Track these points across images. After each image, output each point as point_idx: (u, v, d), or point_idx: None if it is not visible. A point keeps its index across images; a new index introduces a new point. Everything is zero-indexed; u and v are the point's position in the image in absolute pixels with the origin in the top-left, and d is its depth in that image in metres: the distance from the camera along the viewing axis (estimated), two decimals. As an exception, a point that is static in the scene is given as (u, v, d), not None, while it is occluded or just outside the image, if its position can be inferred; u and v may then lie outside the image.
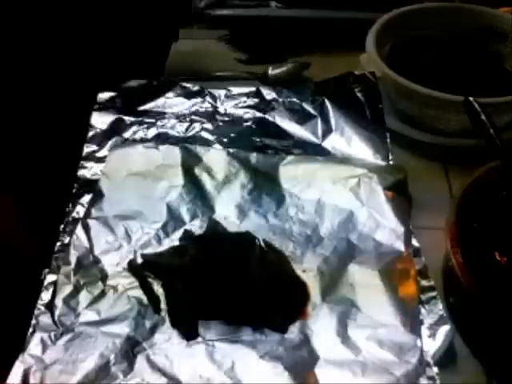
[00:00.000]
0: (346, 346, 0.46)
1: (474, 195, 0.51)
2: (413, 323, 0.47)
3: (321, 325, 0.48)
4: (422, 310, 0.48)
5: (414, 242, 0.53)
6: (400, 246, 0.53)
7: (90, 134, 0.63)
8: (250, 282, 0.50)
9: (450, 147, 0.63)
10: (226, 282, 0.50)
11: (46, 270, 0.51)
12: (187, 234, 0.54)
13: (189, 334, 0.47)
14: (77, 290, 0.49)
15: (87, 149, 0.62)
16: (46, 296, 0.49)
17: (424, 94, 0.61)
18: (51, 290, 0.50)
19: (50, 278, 0.51)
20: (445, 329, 0.47)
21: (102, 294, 0.49)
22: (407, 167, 0.62)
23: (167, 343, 0.47)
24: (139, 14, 0.69)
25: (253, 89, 0.68)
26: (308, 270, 0.52)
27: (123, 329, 0.47)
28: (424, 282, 0.50)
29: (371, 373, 0.45)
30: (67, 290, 0.49)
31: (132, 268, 0.51)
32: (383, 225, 0.54)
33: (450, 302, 0.50)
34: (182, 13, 0.71)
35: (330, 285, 0.51)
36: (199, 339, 0.47)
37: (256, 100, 0.67)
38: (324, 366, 0.45)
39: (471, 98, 0.57)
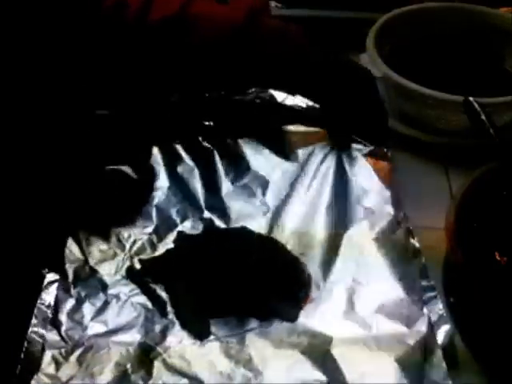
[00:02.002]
0: (355, 322, 0.47)
1: (474, 195, 0.51)
2: (417, 292, 0.49)
3: (327, 306, 0.49)
4: (424, 310, 0.48)
5: (414, 242, 0.53)
6: (390, 209, 0.54)
7: None
8: (252, 275, 0.50)
9: (450, 147, 0.63)
10: (229, 278, 0.50)
11: (46, 270, 0.51)
12: (181, 236, 0.54)
13: (200, 333, 0.47)
14: (79, 303, 0.49)
15: None
16: (46, 296, 0.49)
17: (424, 94, 0.61)
18: (52, 301, 0.49)
19: (50, 276, 0.50)
20: (445, 328, 0.47)
21: (106, 304, 0.49)
22: (407, 167, 0.62)
23: (180, 345, 0.46)
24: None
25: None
26: (305, 252, 0.53)
27: (134, 336, 0.47)
28: (424, 282, 0.50)
29: (386, 345, 0.46)
30: (69, 304, 0.49)
31: (131, 275, 0.51)
32: (370, 191, 0.56)
33: (450, 302, 0.50)
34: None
35: (329, 263, 0.52)
36: (211, 337, 0.47)
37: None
38: (339, 346, 0.46)
39: (471, 98, 0.57)
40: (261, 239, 0.54)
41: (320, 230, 0.55)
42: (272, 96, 0.65)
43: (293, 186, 0.59)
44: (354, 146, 0.62)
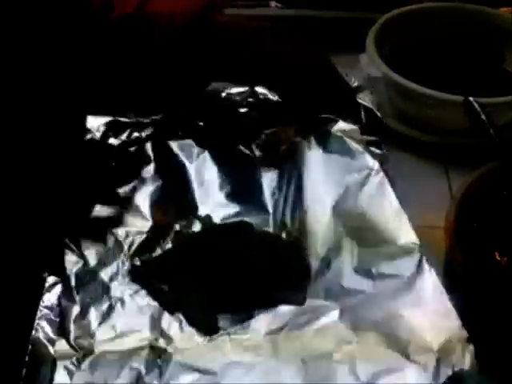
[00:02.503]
0: (365, 277, 0.49)
1: (474, 195, 0.51)
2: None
3: (331, 281, 0.50)
4: None
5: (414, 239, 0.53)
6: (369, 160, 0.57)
7: None
8: (254, 267, 0.50)
9: (450, 147, 0.63)
10: (232, 272, 0.50)
11: (46, 274, 0.50)
12: (179, 234, 0.54)
13: (209, 328, 0.47)
14: (84, 310, 0.48)
15: None
16: (48, 298, 0.48)
17: (424, 94, 0.61)
18: (56, 307, 0.48)
19: (51, 279, 0.50)
20: None
21: (111, 308, 0.48)
22: (407, 167, 0.62)
23: (191, 342, 0.46)
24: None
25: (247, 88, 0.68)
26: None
27: (143, 338, 0.46)
28: None
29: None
30: (75, 311, 0.48)
31: (134, 276, 0.51)
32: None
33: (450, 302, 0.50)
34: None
35: (326, 240, 0.53)
36: (221, 331, 0.47)
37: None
38: (347, 316, 0.47)
39: (471, 98, 0.57)
40: (259, 231, 0.54)
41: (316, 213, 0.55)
42: (266, 95, 0.65)
43: (288, 180, 0.59)
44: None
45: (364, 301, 0.48)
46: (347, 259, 0.51)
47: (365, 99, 0.65)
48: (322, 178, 0.58)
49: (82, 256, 0.52)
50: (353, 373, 0.43)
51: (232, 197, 0.58)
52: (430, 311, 0.46)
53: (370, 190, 0.56)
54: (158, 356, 0.45)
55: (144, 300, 0.49)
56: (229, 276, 0.50)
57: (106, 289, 0.50)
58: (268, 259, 0.51)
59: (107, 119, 0.62)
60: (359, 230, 0.54)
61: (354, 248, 0.52)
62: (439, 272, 0.52)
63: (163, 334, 0.47)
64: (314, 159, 0.59)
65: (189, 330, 0.47)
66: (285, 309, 0.48)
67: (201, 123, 0.63)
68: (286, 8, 0.79)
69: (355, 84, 0.66)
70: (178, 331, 0.47)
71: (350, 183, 0.57)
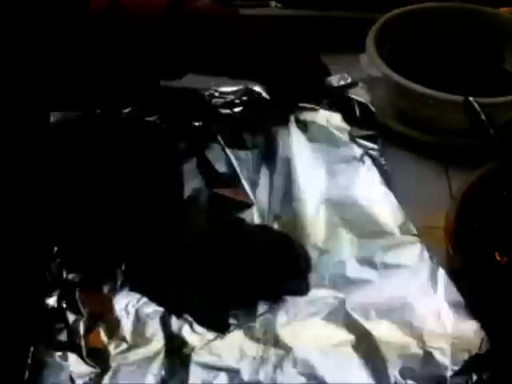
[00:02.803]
0: (368, 266, 0.50)
1: (474, 195, 0.51)
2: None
3: (332, 270, 0.50)
4: None
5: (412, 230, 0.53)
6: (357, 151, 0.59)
7: None
8: (255, 261, 0.50)
9: (450, 147, 0.63)
10: (233, 268, 0.50)
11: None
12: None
13: (220, 326, 0.47)
14: (92, 325, 0.47)
15: None
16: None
17: (424, 94, 0.61)
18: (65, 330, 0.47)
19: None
20: None
21: (117, 320, 0.48)
22: (407, 167, 0.62)
23: (204, 341, 0.46)
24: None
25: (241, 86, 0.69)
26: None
27: (157, 346, 0.46)
28: None
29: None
30: (82, 327, 0.47)
31: (134, 286, 0.50)
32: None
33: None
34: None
35: (322, 230, 0.53)
36: (232, 327, 0.47)
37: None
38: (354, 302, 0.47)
39: (471, 98, 0.57)
40: (254, 225, 0.54)
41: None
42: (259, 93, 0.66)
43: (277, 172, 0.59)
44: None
45: (371, 290, 0.48)
46: (347, 250, 0.52)
47: (358, 94, 0.66)
48: (312, 169, 0.59)
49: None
50: (370, 360, 0.44)
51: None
52: (439, 299, 0.47)
53: (362, 180, 0.57)
54: (176, 360, 0.45)
55: (148, 308, 0.48)
56: (230, 272, 0.49)
57: (107, 302, 0.49)
58: (267, 252, 0.51)
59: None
60: (355, 220, 0.54)
61: (353, 239, 0.52)
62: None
63: (175, 337, 0.46)
64: (302, 150, 0.60)
65: (200, 330, 0.47)
66: (293, 300, 0.48)
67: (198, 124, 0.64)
68: (286, 8, 0.79)
69: (349, 80, 0.67)
70: (190, 332, 0.47)
71: (339, 173, 0.58)
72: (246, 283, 0.49)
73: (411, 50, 0.70)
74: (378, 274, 0.50)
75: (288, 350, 0.45)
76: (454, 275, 0.48)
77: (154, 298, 0.49)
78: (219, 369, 0.44)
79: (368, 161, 0.59)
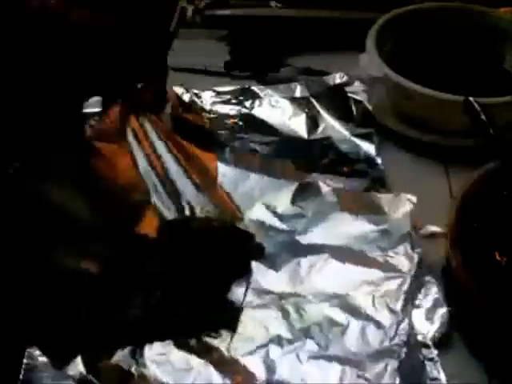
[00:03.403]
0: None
1: (474, 195, 0.51)
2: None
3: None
4: (418, 295, 0.49)
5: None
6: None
7: None
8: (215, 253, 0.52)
9: (450, 147, 0.63)
10: (202, 263, 0.51)
11: None
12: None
13: (227, 322, 0.48)
14: None
15: None
16: None
17: (424, 94, 0.61)
18: None
19: None
20: (441, 311, 0.48)
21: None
22: (407, 167, 0.62)
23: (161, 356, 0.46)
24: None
25: (238, 86, 0.69)
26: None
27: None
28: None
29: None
30: None
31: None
32: None
33: (451, 303, 0.50)
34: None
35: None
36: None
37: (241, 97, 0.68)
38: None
39: (471, 98, 0.57)
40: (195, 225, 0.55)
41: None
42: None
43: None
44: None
45: None
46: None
47: (355, 93, 0.66)
48: None
49: None
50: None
51: None
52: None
53: None
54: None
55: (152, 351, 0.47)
56: (204, 268, 0.51)
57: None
58: (220, 242, 0.53)
59: None
60: None
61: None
62: (439, 272, 0.52)
63: (205, 344, 0.47)
64: None
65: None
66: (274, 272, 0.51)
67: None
68: (286, 8, 0.79)
69: (344, 79, 0.67)
70: (210, 339, 0.47)
71: None
72: (219, 273, 0.51)
73: (411, 50, 0.70)
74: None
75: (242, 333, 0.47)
76: (451, 281, 0.48)
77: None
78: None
79: None
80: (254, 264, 0.52)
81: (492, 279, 0.47)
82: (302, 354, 0.46)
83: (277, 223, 0.55)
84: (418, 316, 0.48)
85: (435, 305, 0.48)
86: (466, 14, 0.71)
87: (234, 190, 0.58)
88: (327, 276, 0.51)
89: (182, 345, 0.47)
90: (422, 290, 0.49)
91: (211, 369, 0.45)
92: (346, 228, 0.54)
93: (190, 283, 0.50)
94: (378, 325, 0.47)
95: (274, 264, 0.52)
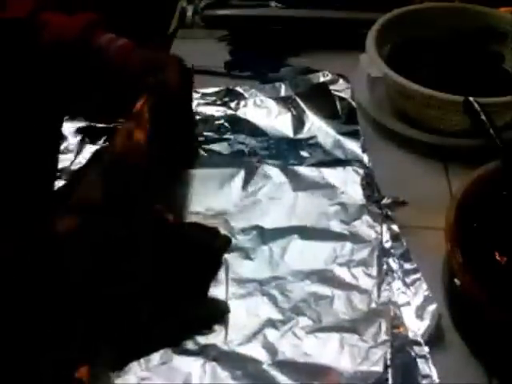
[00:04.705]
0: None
1: (474, 195, 0.51)
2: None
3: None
4: (408, 292, 0.50)
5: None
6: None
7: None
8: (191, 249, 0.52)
9: (450, 147, 0.63)
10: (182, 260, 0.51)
11: None
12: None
13: (219, 311, 0.49)
14: None
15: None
16: None
17: (424, 94, 0.61)
18: None
19: None
20: (431, 308, 0.48)
21: None
22: (407, 167, 0.62)
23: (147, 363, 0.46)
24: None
25: (222, 87, 0.69)
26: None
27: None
28: (407, 265, 0.51)
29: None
30: None
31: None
32: None
33: (451, 302, 0.50)
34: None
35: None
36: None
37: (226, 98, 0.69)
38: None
39: (471, 98, 0.57)
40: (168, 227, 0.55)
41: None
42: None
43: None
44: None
45: None
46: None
47: (340, 90, 0.66)
48: None
49: None
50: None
51: None
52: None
53: None
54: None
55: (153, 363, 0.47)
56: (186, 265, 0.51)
57: None
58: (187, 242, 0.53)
59: None
60: None
61: None
62: (439, 272, 0.52)
63: (201, 344, 0.47)
64: None
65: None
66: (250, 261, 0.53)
67: None
68: (286, 8, 0.79)
69: (328, 77, 0.67)
70: (205, 337, 0.47)
71: None
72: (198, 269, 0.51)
73: (411, 49, 0.70)
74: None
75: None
76: (451, 281, 0.48)
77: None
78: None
79: None
80: (229, 257, 0.53)
81: (492, 279, 0.47)
82: (298, 332, 0.48)
83: (235, 213, 0.57)
84: (408, 314, 0.48)
85: (425, 302, 0.49)
86: (466, 14, 0.72)
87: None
88: (301, 256, 0.53)
89: (179, 350, 0.47)
90: (412, 288, 0.50)
91: (214, 364, 0.46)
92: (304, 207, 0.57)
93: (169, 288, 0.49)
94: (361, 290, 0.50)
95: (247, 254, 0.53)
